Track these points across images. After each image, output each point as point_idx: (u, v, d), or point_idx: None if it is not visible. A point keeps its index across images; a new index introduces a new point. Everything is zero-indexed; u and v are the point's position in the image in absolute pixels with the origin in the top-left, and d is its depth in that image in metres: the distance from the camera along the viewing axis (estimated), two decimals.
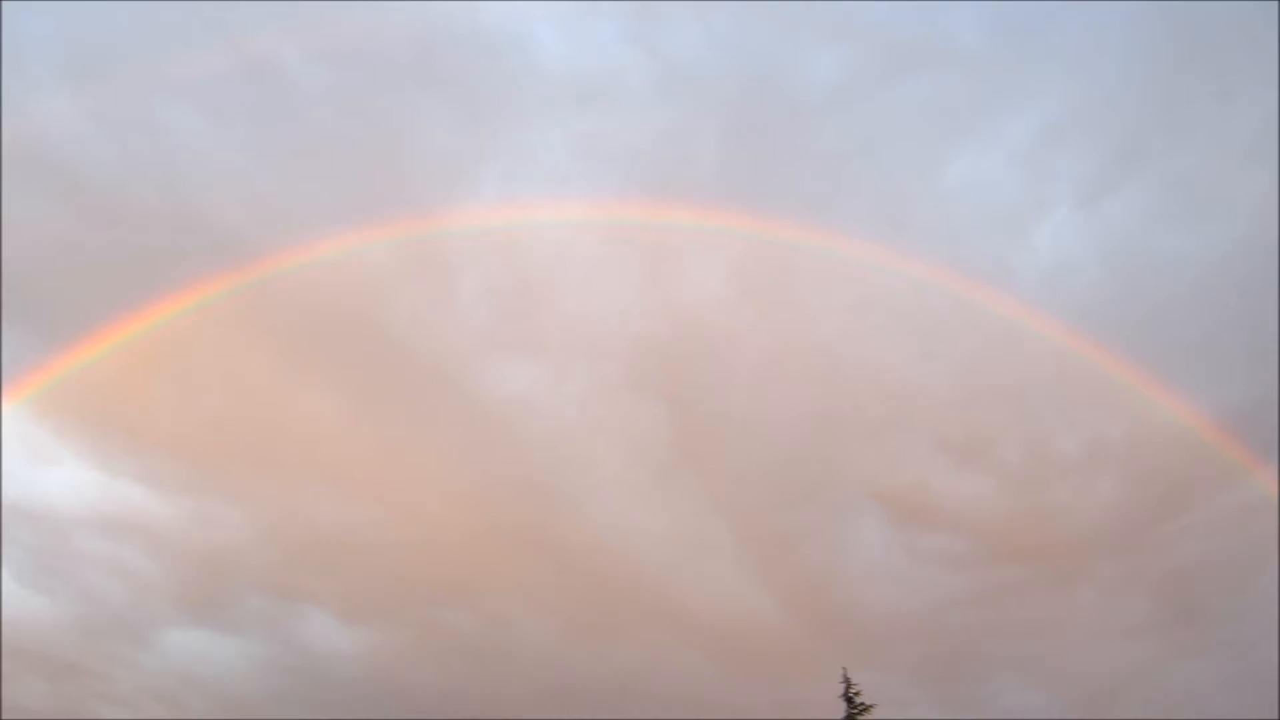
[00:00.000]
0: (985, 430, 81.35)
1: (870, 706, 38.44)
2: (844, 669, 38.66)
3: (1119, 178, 72.84)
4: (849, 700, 38.69)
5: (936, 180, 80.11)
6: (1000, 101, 73.59)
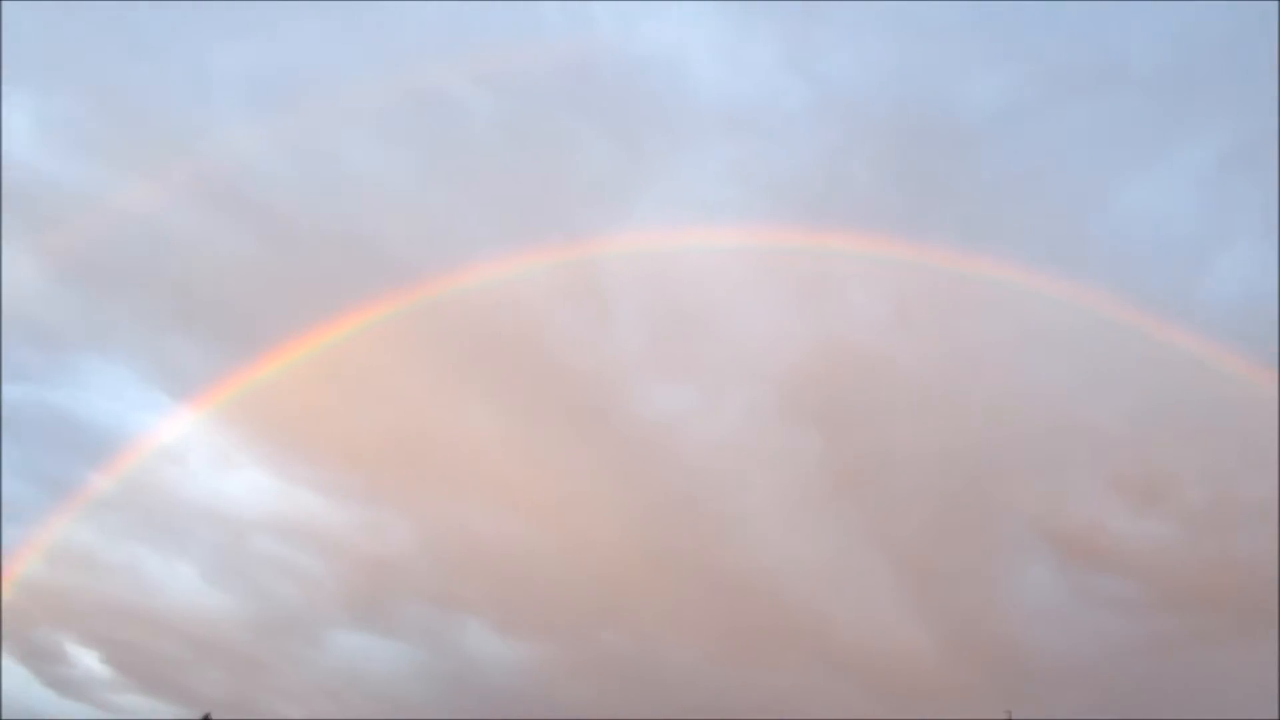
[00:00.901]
0: (1164, 470, 77.01)
1: None
2: (1009, 712, 37.17)
3: None
4: None
5: (1109, 208, 76.58)
6: (1178, 125, 69.90)
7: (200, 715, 38.38)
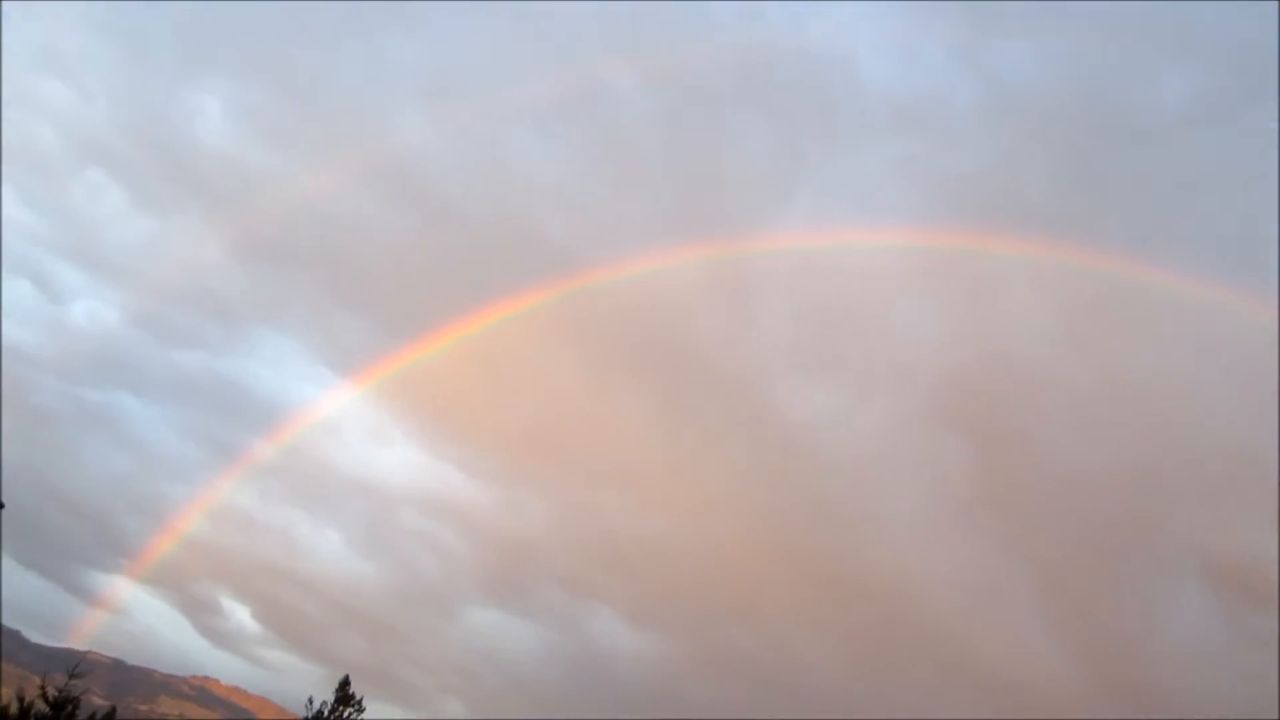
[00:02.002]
0: None
1: None
2: None
3: None
4: None
5: None
6: None
7: (341, 677, 40.00)
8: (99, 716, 34.54)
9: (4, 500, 31.97)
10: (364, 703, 40.35)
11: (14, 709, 30.74)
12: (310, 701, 40.12)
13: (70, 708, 30.83)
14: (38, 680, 33.03)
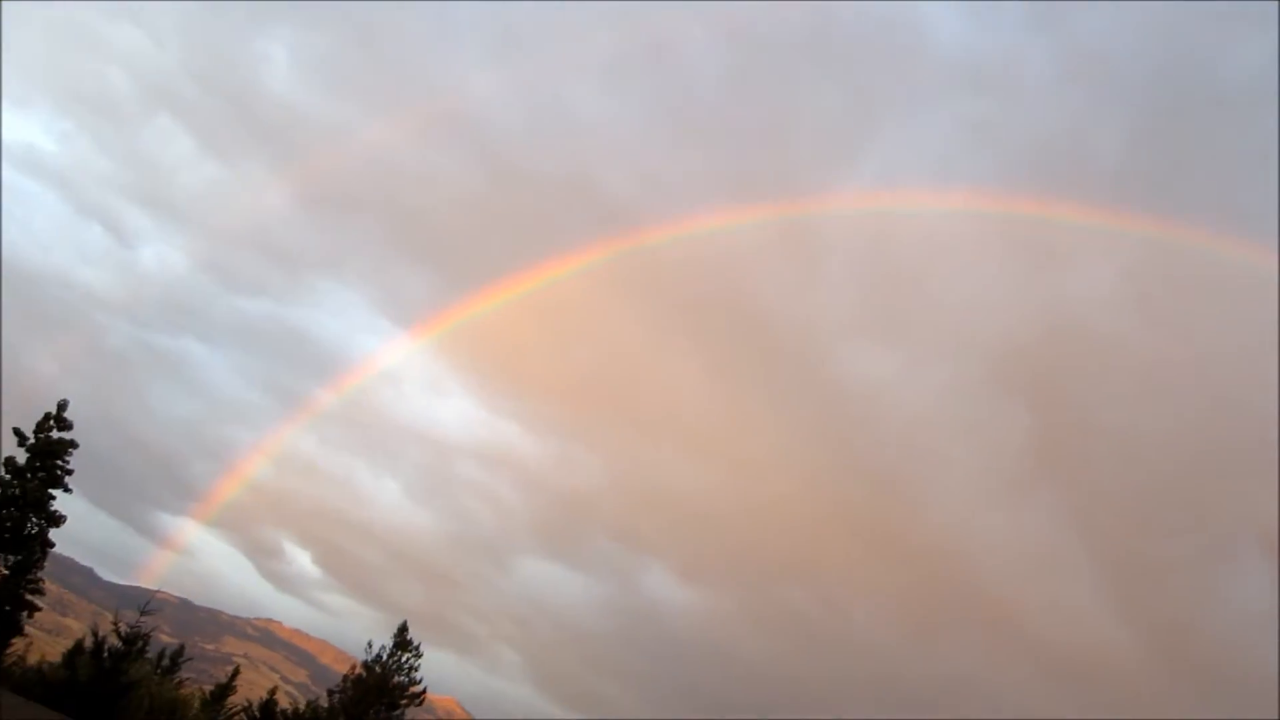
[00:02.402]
0: None
1: None
2: None
3: None
4: None
5: None
6: None
7: (399, 623, 40.87)
8: (168, 654, 35.74)
9: (77, 441, 32.98)
10: (421, 648, 41.26)
11: (89, 642, 31.92)
12: (370, 645, 41.12)
13: (141, 643, 31.92)
14: (110, 616, 34.25)
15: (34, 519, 31.82)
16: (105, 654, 30.85)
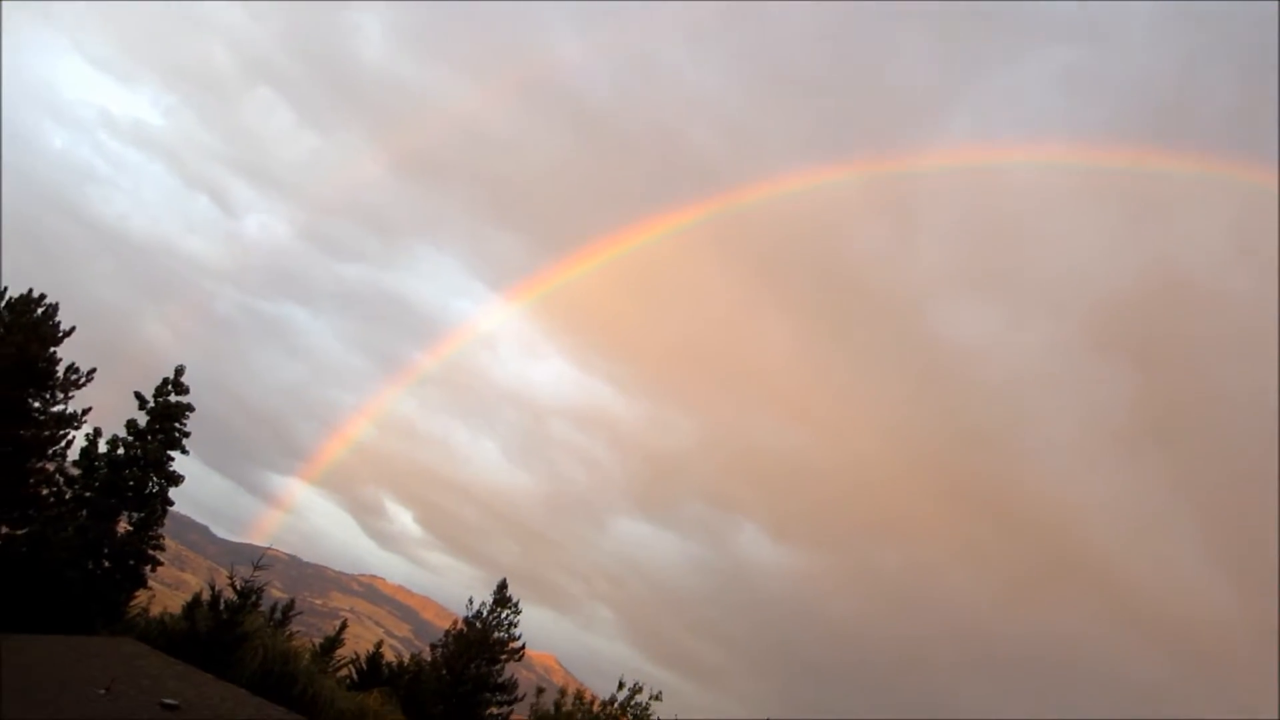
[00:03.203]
0: None
1: None
2: None
3: None
4: None
5: None
6: None
7: (498, 580, 41.85)
8: (279, 607, 37.27)
9: (192, 404, 34.43)
10: (520, 605, 42.24)
11: (206, 596, 33.49)
12: (470, 602, 42.24)
13: (254, 597, 33.35)
14: (224, 571, 35.85)
15: (154, 478, 33.40)
16: (222, 607, 32.30)
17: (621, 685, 38.10)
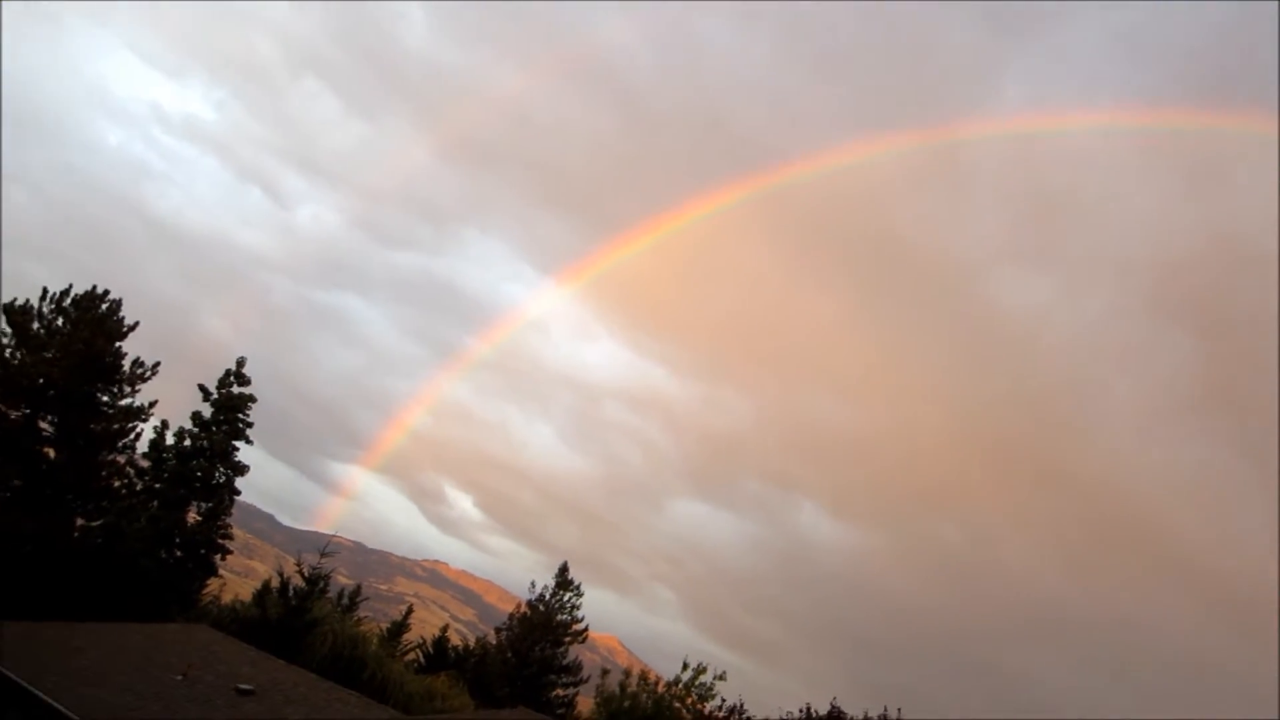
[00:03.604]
0: None
1: None
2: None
3: None
4: None
5: None
6: None
7: (558, 563, 42.09)
8: (346, 593, 37.81)
9: (254, 395, 34.92)
10: (581, 587, 42.42)
11: (275, 583, 34.05)
12: (533, 585, 42.52)
13: (322, 584, 33.85)
14: (292, 559, 36.42)
15: (221, 468, 33.97)
16: (291, 594, 32.83)
17: (686, 666, 38.13)
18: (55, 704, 17.19)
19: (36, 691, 17.62)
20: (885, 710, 30.24)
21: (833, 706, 30.45)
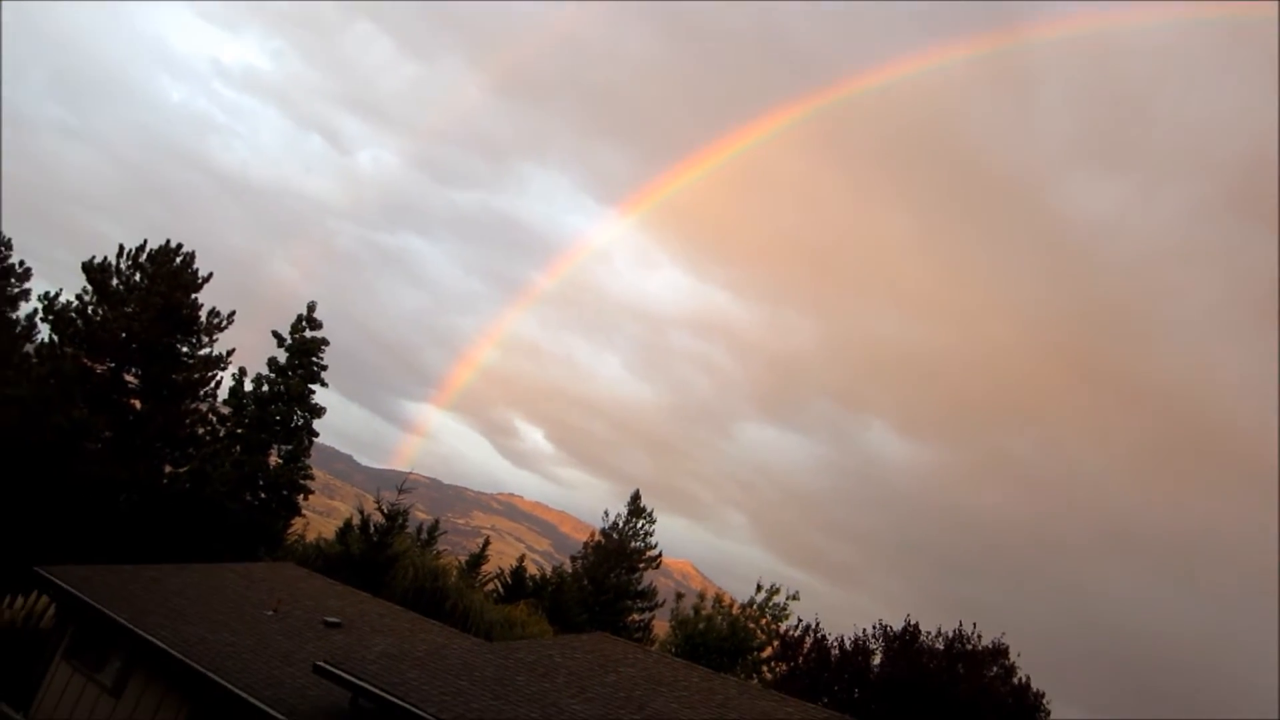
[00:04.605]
0: None
1: None
2: None
3: None
4: None
5: None
6: None
7: (630, 492, 42.68)
8: (425, 528, 38.88)
9: (327, 339, 35.70)
10: (654, 514, 43.10)
11: (356, 521, 35.16)
12: (606, 514, 43.30)
13: (401, 520, 34.86)
14: (371, 497, 37.52)
15: (299, 412, 34.99)
16: (372, 530, 33.89)
17: (759, 588, 38.69)
18: (158, 641, 18.13)
19: (139, 631, 18.58)
20: (960, 625, 30.37)
21: (907, 623, 30.68)
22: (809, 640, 32.54)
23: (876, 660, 30.71)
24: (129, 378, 33.33)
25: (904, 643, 30.46)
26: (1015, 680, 29.41)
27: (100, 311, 33.06)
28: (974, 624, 30.39)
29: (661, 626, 40.64)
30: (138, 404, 33.29)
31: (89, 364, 32.47)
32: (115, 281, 33.52)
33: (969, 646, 30.06)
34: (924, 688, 28.13)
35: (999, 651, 30.02)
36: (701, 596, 39.60)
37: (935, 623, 31.27)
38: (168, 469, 33.46)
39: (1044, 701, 29.06)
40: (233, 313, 34.69)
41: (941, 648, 30.19)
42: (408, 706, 14.40)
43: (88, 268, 33.30)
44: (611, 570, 41.58)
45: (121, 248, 33.90)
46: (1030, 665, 29.61)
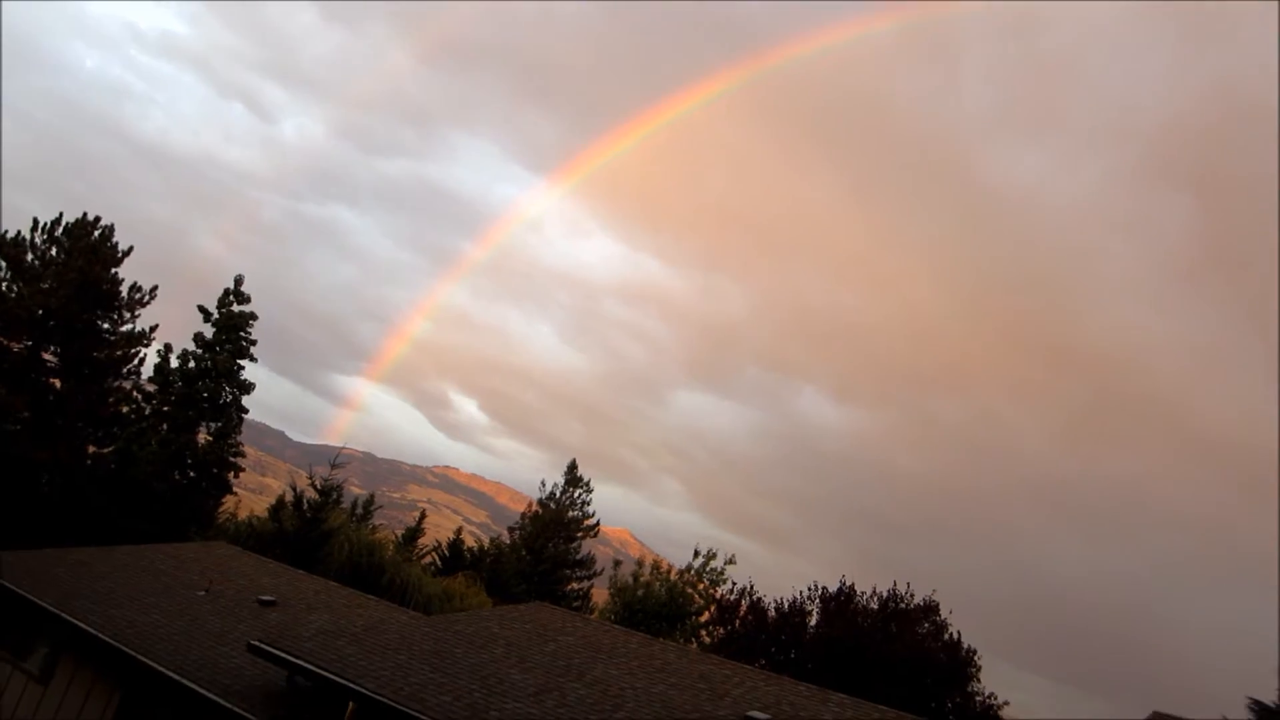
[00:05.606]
0: None
1: None
2: None
3: None
4: None
5: None
6: None
7: (568, 461, 42.77)
8: (360, 503, 38.53)
9: (255, 313, 34.99)
10: (591, 483, 43.19)
11: (289, 497, 34.69)
12: (543, 484, 43.28)
13: (335, 495, 34.49)
14: (304, 473, 37.02)
15: (227, 388, 34.30)
16: (305, 506, 33.48)
17: (697, 553, 39.07)
18: (85, 626, 17.76)
19: (66, 616, 18.18)
20: (894, 585, 30.98)
21: (842, 584, 31.23)
22: (745, 603, 32.96)
23: (813, 621, 31.22)
24: (47, 356, 32.33)
25: (839, 603, 30.99)
26: (947, 636, 30.10)
27: (15, 288, 31.97)
28: (908, 584, 31.01)
29: (601, 594, 40.88)
30: (58, 383, 32.32)
31: (4, 343, 31.40)
32: (30, 257, 32.42)
33: (902, 605, 30.68)
34: (859, 646, 28.69)
35: (930, 609, 30.68)
36: (640, 564, 39.87)
37: (870, 583, 31.85)
38: (91, 449, 32.61)
39: (975, 657, 29.81)
40: (155, 287, 33.79)
41: (876, 607, 30.78)
42: (345, 682, 14.31)
43: (0, 243, 32.15)
44: (549, 540, 41.65)
45: (36, 221, 32.79)
46: (962, 623, 30.34)
